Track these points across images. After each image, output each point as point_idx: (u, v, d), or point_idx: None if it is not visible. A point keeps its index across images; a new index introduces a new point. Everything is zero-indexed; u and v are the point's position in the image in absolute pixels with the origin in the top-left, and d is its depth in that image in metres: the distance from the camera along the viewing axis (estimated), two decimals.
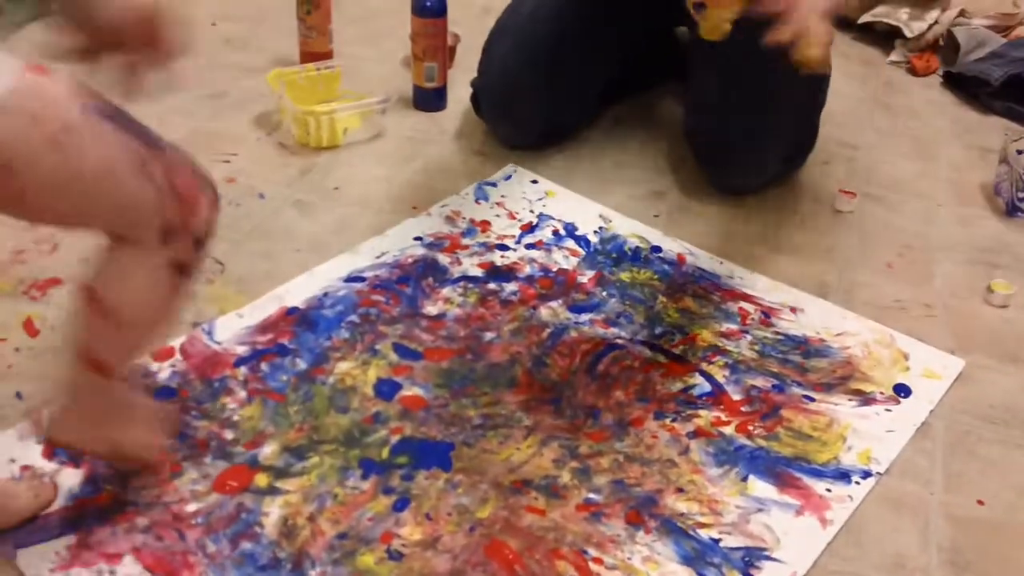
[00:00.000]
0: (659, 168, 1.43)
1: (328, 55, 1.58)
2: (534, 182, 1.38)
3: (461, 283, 1.18)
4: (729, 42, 1.30)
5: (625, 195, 1.37)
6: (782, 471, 0.97)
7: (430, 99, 1.53)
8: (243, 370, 1.05)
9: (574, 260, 1.24)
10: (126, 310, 0.78)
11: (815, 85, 1.35)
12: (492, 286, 1.19)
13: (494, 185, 1.37)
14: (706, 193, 1.38)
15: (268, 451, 0.96)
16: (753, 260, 1.27)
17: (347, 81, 1.51)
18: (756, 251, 1.28)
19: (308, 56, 1.57)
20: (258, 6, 1.81)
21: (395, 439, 0.98)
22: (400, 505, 0.92)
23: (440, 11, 1.47)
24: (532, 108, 1.39)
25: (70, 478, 0.92)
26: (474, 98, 1.47)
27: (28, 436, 0.96)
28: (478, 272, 1.20)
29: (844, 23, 1.87)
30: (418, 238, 1.25)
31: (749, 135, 1.31)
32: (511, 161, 1.42)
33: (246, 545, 0.87)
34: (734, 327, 1.15)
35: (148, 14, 0.76)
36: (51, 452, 0.94)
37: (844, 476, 0.97)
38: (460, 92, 1.53)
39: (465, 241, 1.25)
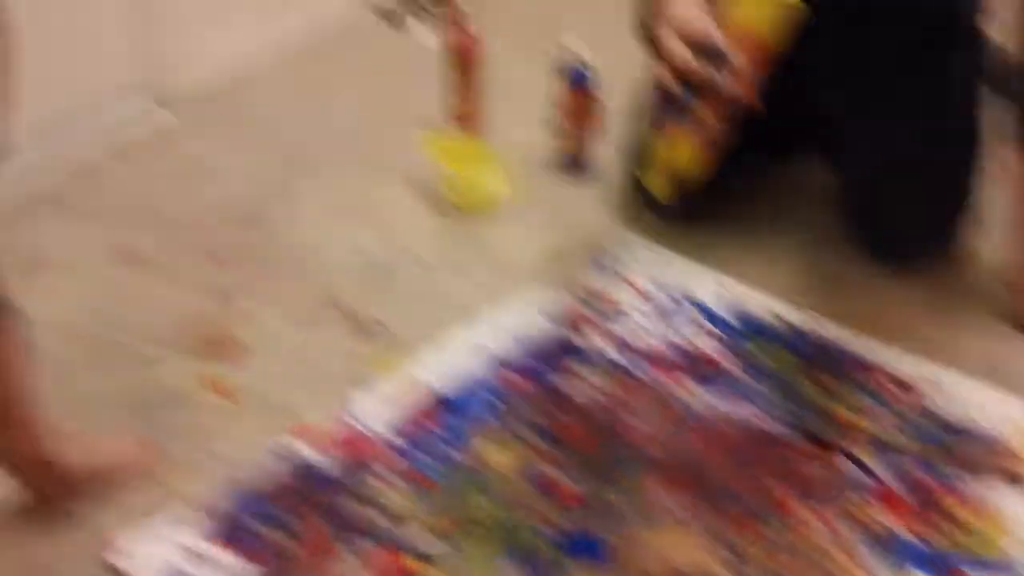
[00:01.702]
0: (801, 242, 1.40)
1: (477, 118, 1.59)
2: (671, 256, 1.36)
3: (597, 362, 1.19)
4: (882, 109, 1.26)
5: (764, 269, 1.35)
6: (945, 564, 0.94)
7: (575, 166, 1.55)
8: (391, 453, 1.07)
9: (709, 338, 1.23)
10: None
11: (970, 149, 1.31)
12: (626, 365, 1.19)
13: (631, 259, 1.36)
14: (851, 267, 1.35)
15: (418, 536, 0.98)
16: (899, 335, 1.23)
17: (493, 144, 1.53)
18: (901, 325, 1.25)
19: (457, 119, 1.59)
20: (402, 62, 1.82)
21: (545, 529, 0.99)
22: None
23: (588, 81, 1.49)
24: None
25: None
26: (621, 168, 1.47)
27: None
28: (613, 351, 1.21)
29: None
30: (556, 315, 1.26)
31: (906, 204, 1.29)
32: (652, 232, 1.41)
33: None
34: (878, 406, 1.12)
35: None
36: None
37: (1011, 568, 0.94)
38: (605, 160, 1.53)
39: (599, 319, 1.26)
